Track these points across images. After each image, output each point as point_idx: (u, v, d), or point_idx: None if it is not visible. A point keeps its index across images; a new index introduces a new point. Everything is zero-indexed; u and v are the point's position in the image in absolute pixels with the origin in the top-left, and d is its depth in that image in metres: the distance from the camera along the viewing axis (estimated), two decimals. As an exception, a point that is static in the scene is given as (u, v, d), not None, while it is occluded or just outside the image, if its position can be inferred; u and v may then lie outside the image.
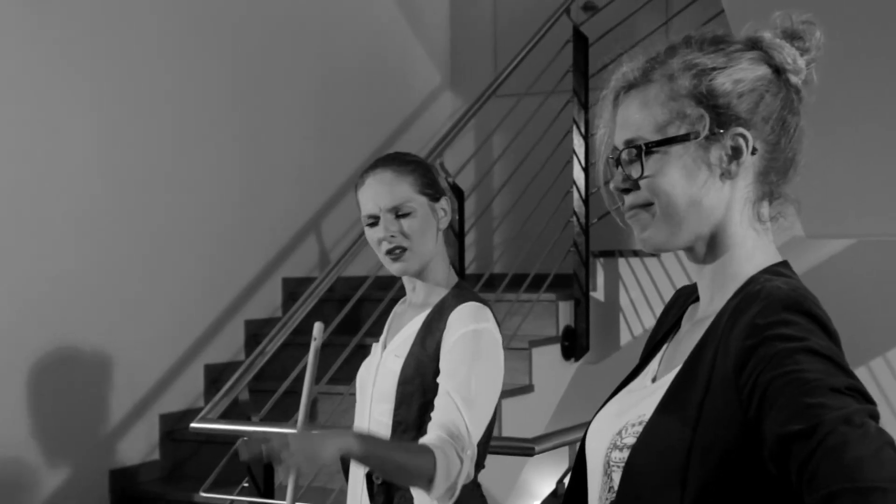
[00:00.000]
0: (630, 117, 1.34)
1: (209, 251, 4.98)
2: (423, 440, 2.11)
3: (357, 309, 4.59)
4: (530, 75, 5.09)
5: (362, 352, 2.79)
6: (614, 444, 1.33)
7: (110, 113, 4.55)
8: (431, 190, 2.33)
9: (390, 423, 2.24)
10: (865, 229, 5.11)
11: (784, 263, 1.34)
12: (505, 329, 4.62)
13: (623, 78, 1.37)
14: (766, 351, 1.18)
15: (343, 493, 2.40)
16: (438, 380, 2.19)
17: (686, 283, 1.47)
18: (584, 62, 5.00)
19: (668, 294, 1.57)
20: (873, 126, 4.55)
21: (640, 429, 1.30)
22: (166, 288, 4.76)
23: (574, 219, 4.93)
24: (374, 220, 2.30)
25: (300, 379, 2.76)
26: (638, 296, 5.08)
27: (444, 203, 2.35)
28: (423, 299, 2.34)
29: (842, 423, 1.11)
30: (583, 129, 4.90)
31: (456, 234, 4.43)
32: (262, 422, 3.48)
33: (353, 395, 2.47)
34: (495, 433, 3.94)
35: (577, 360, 4.91)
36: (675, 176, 1.31)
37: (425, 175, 2.34)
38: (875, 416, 1.15)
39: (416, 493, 2.17)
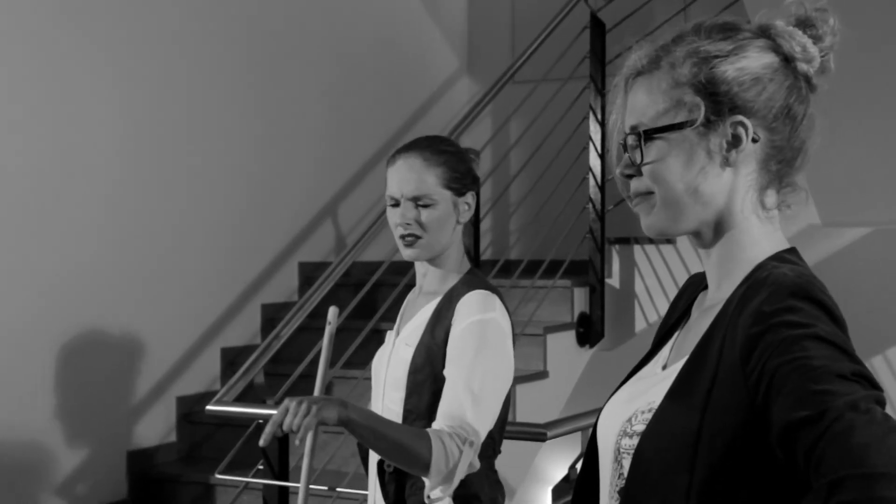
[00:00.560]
0: (636, 103, 1.36)
1: (226, 236, 5.00)
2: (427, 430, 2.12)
3: (372, 294, 4.61)
4: (547, 61, 5.08)
5: (377, 336, 2.81)
6: (624, 431, 1.34)
7: (131, 100, 4.58)
8: (458, 185, 2.31)
9: (401, 411, 2.25)
10: (882, 217, 5.09)
11: (792, 250, 1.34)
12: (520, 315, 4.67)
13: (632, 65, 1.38)
14: (773, 338, 1.18)
15: (357, 477, 2.42)
16: (445, 370, 2.20)
17: (701, 270, 1.47)
18: (602, 48, 4.99)
19: (684, 281, 1.57)
20: (892, 114, 4.54)
21: (649, 416, 1.31)
22: (184, 272, 4.79)
23: (590, 205, 4.94)
24: (395, 203, 2.31)
25: (315, 363, 2.78)
26: (653, 283, 5.08)
27: (470, 198, 2.33)
28: (435, 287, 2.34)
29: (848, 410, 1.11)
30: (599, 116, 4.89)
31: (471, 221, 4.43)
32: (277, 405, 3.49)
33: (369, 379, 2.48)
34: (509, 419, 3.97)
35: (591, 346, 4.92)
36: (674, 163, 1.32)
37: (455, 168, 2.31)
38: (881, 402, 1.15)
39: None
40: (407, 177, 2.28)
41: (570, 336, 4.85)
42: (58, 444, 4.27)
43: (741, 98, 1.30)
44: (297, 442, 2.00)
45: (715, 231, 1.35)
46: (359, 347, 4.18)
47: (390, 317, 2.85)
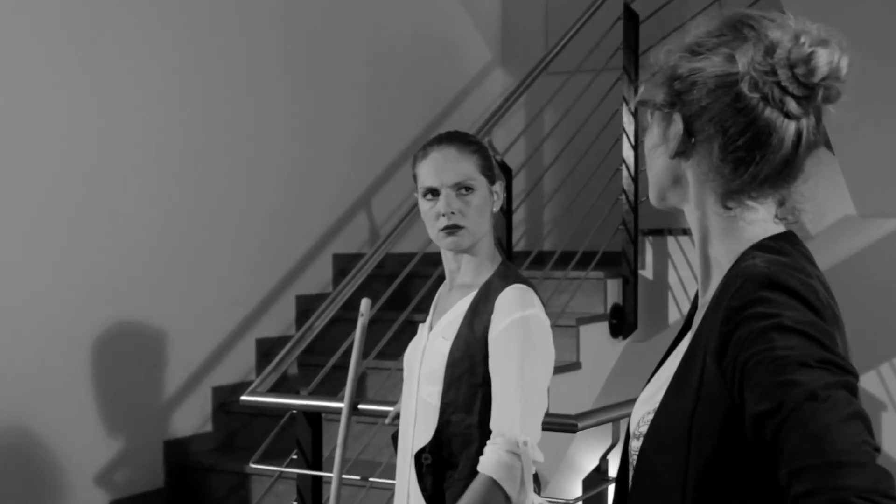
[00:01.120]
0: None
1: (262, 228, 5.04)
2: (482, 460, 2.16)
3: (406, 285, 4.63)
4: (581, 52, 5.07)
5: (411, 328, 2.82)
6: (633, 434, 1.39)
7: (170, 96, 4.62)
8: (490, 172, 2.37)
9: (438, 404, 2.27)
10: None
11: (779, 236, 1.33)
12: (553, 306, 4.67)
13: None
14: (741, 332, 1.19)
15: (390, 468, 2.44)
16: (491, 372, 2.22)
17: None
18: (635, 39, 4.97)
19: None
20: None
21: (651, 417, 1.34)
22: (220, 264, 4.84)
23: (623, 197, 4.93)
24: (433, 194, 2.32)
25: (349, 354, 2.80)
26: (687, 274, 5.07)
27: (499, 186, 2.38)
28: (469, 279, 2.36)
29: (805, 400, 1.11)
30: (632, 107, 4.88)
31: (504, 212, 4.44)
32: (311, 396, 3.52)
33: (402, 370, 2.50)
34: (542, 409, 3.96)
35: (624, 337, 4.92)
36: (649, 136, 1.40)
37: (486, 157, 2.38)
38: (850, 386, 1.14)
39: (470, 479, 2.21)
40: (445, 166, 2.31)
41: (603, 327, 4.85)
42: (96, 434, 4.33)
43: (686, 96, 1.31)
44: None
45: (694, 226, 1.38)
46: (392, 338, 4.20)
47: (424, 308, 2.86)
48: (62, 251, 4.22)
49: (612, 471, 3.46)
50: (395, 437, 2.45)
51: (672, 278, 5.07)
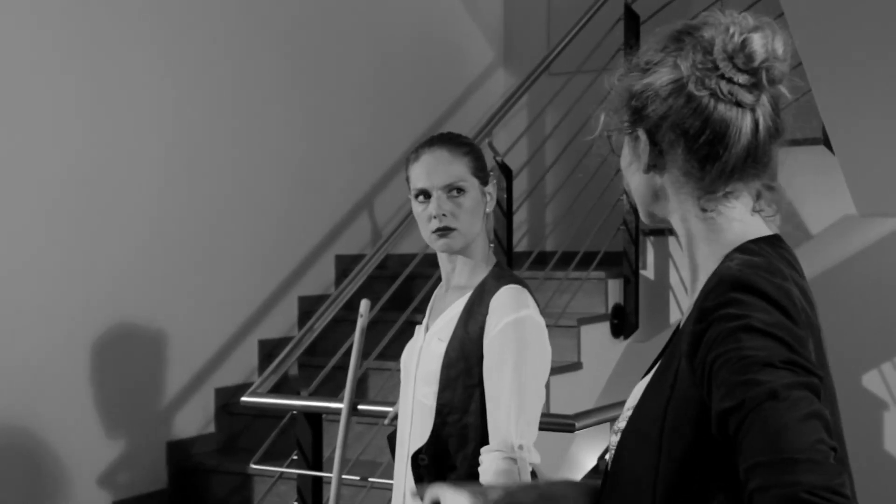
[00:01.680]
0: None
1: (265, 229, 5.06)
2: (482, 471, 2.17)
3: (407, 286, 4.64)
4: (582, 53, 5.09)
5: (412, 328, 2.83)
6: (614, 430, 1.43)
7: (173, 97, 4.64)
8: (482, 173, 2.38)
9: (434, 405, 2.28)
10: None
11: (761, 240, 1.36)
12: (554, 307, 4.69)
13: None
14: (712, 333, 1.23)
15: (390, 468, 2.45)
16: (485, 376, 2.23)
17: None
18: (636, 40, 4.98)
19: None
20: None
21: (630, 413, 1.39)
22: (223, 265, 4.85)
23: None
24: (425, 196, 2.34)
25: (349, 354, 2.82)
26: (688, 274, 5.06)
27: (491, 187, 2.39)
28: (464, 281, 2.37)
29: (766, 399, 1.15)
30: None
31: (504, 213, 4.45)
32: (311, 396, 3.54)
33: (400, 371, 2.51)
34: (543, 409, 3.97)
35: (626, 338, 4.92)
36: (623, 161, 1.45)
37: (478, 158, 2.39)
38: (812, 387, 1.18)
39: (467, 480, 2.22)
40: (436, 168, 2.33)
41: (604, 327, 4.86)
42: (99, 434, 4.35)
43: (644, 111, 1.37)
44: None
45: (680, 233, 1.42)
46: (393, 339, 4.21)
47: (424, 309, 2.87)
48: (66, 253, 4.24)
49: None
50: (390, 438, 2.46)
51: (673, 278, 5.08)
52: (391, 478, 2.48)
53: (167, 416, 4.64)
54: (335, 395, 3.84)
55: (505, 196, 4.43)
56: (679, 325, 1.43)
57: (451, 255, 2.38)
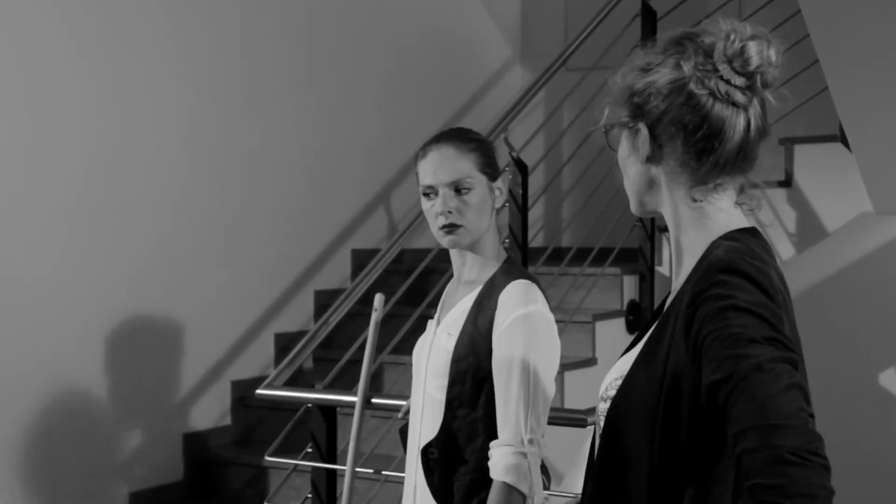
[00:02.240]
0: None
1: (281, 224, 5.08)
2: (491, 466, 2.19)
3: (423, 280, 4.65)
4: (599, 49, 5.08)
5: (427, 323, 2.85)
6: (601, 397, 1.58)
7: (192, 95, 4.67)
8: (491, 169, 2.38)
9: (444, 399, 2.30)
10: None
11: (744, 230, 1.51)
12: (569, 302, 4.69)
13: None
14: (702, 312, 1.39)
15: (405, 462, 2.46)
16: (493, 371, 2.25)
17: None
18: (653, 36, 4.96)
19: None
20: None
21: (620, 383, 1.53)
22: (240, 259, 4.88)
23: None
24: (432, 192, 2.35)
25: (364, 348, 2.83)
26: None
27: (500, 183, 2.40)
28: (474, 275, 2.38)
29: (753, 370, 1.30)
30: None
31: (520, 209, 4.46)
32: (325, 390, 3.55)
33: (412, 366, 2.53)
34: (558, 405, 3.99)
35: (641, 334, 4.92)
36: (621, 154, 1.59)
37: (486, 154, 2.39)
38: (792, 362, 1.33)
39: (477, 473, 2.25)
40: (443, 165, 2.34)
41: (619, 323, 4.86)
42: (116, 426, 4.39)
43: (647, 107, 1.52)
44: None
45: (669, 221, 1.56)
46: (409, 333, 4.22)
47: (439, 303, 2.89)
48: (85, 247, 4.27)
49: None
50: (402, 432, 2.48)
51: (689, 275, 5.06)
52: (404, 472, 2.49)
53: (183, 408, 4.68)
54: (350, 388, 3.85)
55: (520, 192, 4.43)
56: (664, 305, 1.57)
57: (462, 251, 2.39)
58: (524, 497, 2.17)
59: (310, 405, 3.53)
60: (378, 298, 2.73)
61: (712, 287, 1.39)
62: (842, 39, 3.98)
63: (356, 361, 3.69)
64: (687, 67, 1.48)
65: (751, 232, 1.51)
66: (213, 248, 4.77)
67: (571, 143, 5.58)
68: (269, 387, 3.62)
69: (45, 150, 4.15)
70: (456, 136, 2.39)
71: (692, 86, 1.47)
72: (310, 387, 3.70)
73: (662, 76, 1.49)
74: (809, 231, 5.09)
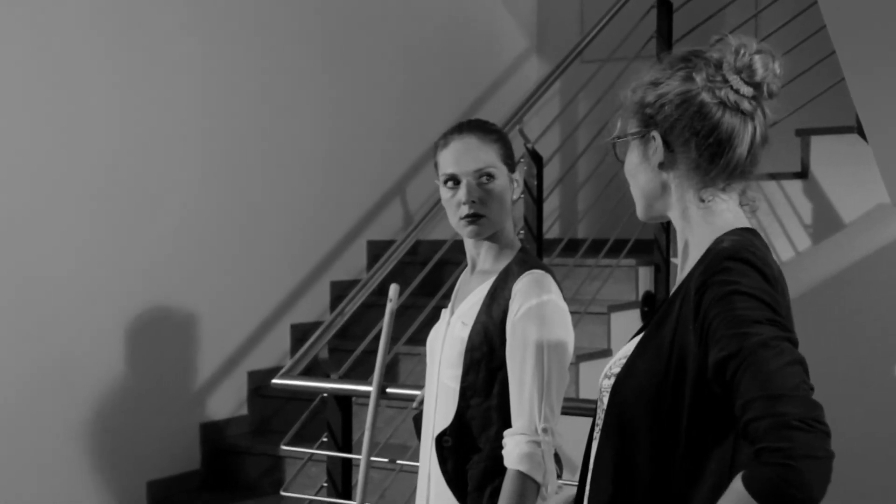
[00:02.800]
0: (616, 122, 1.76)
1: (298, 215, 5.10)
2: (505, 455, 2.21)
3: (438, 271, 4.67)
4: (615, 40, 5.08)
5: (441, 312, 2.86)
6: (605, 374, 1.71)
7: (207, 86, 4.69)
8: (510, 161, 2.39)
9: (458, 388, 2.31)
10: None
11: (743, 230, 1.63)
12: (584, 293, 4.70)
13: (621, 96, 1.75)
14: (709, 296, 1.51)
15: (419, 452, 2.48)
16: (507, 360, 2.26)
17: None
18: (668, 28, 4.97)
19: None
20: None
21: (624, 361, 1.65)
22: (256, 250, 4.91)
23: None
24: (454, 181, 2.35)
25: (379, 339, 2.85)
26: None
27: (518, 174, 2.41)
28: (489, 265, 2.39)
29: (760, 347, 1.43)
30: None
31: (535, 200, 4.47)
32: (341, 379, 3.57)
33: (427, 355, 2.54)
34: (573, 395, 3.99)
35: (656, 325, 4.92)
36: (629, 161, 1.72)
37: (506, 146, 2.40)
38: (793, 341, 1.47)
39: (491, 461, 2.26)
40: (466, 153, 2.34)
41: (634, 314, 4.86)
42: (134, 416, 4.42)
43: (660, 116, 1.65)
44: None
45: (678, 222, 1.68)
46: (423, 324, 4.23)
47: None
48: (106, 242, 4.31)
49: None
50: (416, 420, 2.49)
51: (704, 266, 5.06)
52: (419, 461, 2.51)
53: (201, 398, 4.71)
54: (365, 378, 3.87)
55: (535, 183, 4.44)
56: (670, 294, 1.68)
57: (478, 241, 2.40)
58: (538, 485, 2.19)
59: (325, 395, 3.55)
60: (393, 289, 2.75)
61: (719, 273, 1.51)
62: (858, 30, 3.97)
63: (371, 352, 3.71)
64: (699, 78, 1.62)
65: (751, 231, 1.64)
66: (229, 241, 4.80)
67: (586, 134, 5.58)
68: (285, 377, 3.64)
69: (68, 150, 4.18)
70: (477, 126, 2.40)
71: (704, 95, 1.61)
72: (325, 377, 3.71)
73: (673, 88, 1.63)
74: (826, 222, 5.08)
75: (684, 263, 1.67)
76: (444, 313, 2.47)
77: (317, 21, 5.21)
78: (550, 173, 5.05)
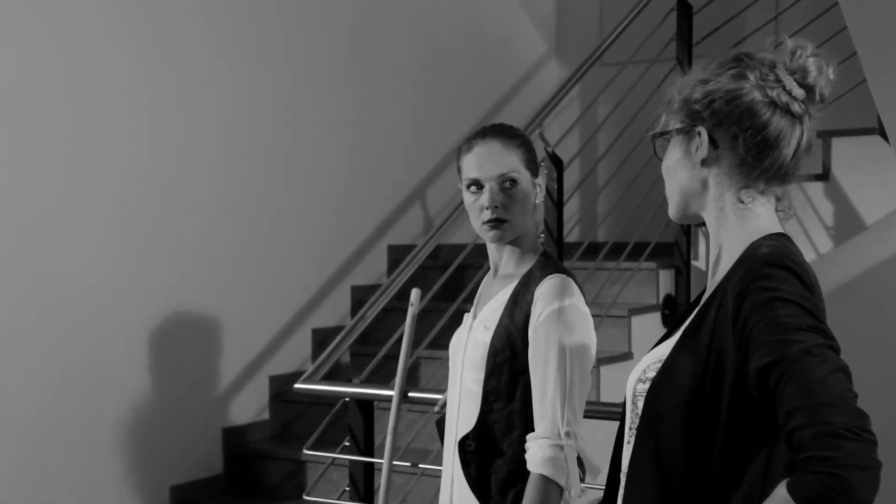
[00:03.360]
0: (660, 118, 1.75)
1: (318, 220, 5.12)
2: (529, 459, 2.21)
3: (459, 276, 4.67)
4: (634, 43, 5.08)
5: (463, 318, 2.87)
6: (639, 378, 1.68)
7: (230, 93, 4.72)
8: (533, 165, 2.40)
9: (480, 391, 2.32)
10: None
11: (778, 235, 1.62)
12: (605, 297, 4.70)
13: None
14: (749, 302, 1.50)
15: (441, 456, 2.48)
16: (530, 364, 2.26)
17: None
18: (688, 30, 4.97)
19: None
20: None
21: (660, 366, 1.63)
22: (277, 255, 4.92)
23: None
24: (477, 186, 2.36)
25: (401, 343, 2.85)
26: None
27: (540, 179, 2.41)
28: (511, 269, 2.39)
29: (804, 354, 1.42)
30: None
31: (555, 204, 4.46)
32: (363, 384, 3.58)
33: (449, 359, 2.54)
34: (594, 398, 3.99)
35: (677, 328, 4.91)
36: (669, 157, 1.70)
37: (530, 150, 2.40)
38: (835, 349, 1.45)
39: (514, 465, 2.26)
40: (489, 159, 2.34)
41: (654, 318, 4.86)
42: (156, 421, 4.44)
43: (707, 113, 1.64)
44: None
45: (712, 222, 1.67)
46: (445, 328, 4.23)
47: (475, 298, 2.90)
48: (131, 250, 4.34)
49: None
50: (439, 424, 2.50)
51: (725, 269, 5.04)
52: (442, 465, 2.51)
53: (223, 403, 4.73)
54: (387, 382, 3.88)
55: (556, 187, 4.43)
56: (699, 301, 1.68)
57: (500, 245, 2.40)
58: (561, 489, 2.19)
59: (347, 399, 3.56)
60: (414, 293, 2.75)
61: (759, 279, 1.50)
62: (880, 31, 3.96)
63: (393, 356, 3.72)
64: (752, 77, 1.61)
65: (786, 237, 1.63)
66: (251, 247, 4.82)
67: (607, 137, 5.57)
68: (307, 381, 3.64)
69: (97, 161, 4.23)
70: (501, 131, 2.40)
71: (755, 94, 1.61)
72: (347, 381, 3.73)
73: (723, 85, 1.62)
74: (847, 224, 5.06)
75: (716, 268, 1.66)
76: (467, 317, 2.48)
77: (336, 28, 5.23)
78: (570, 177, 5.04)
